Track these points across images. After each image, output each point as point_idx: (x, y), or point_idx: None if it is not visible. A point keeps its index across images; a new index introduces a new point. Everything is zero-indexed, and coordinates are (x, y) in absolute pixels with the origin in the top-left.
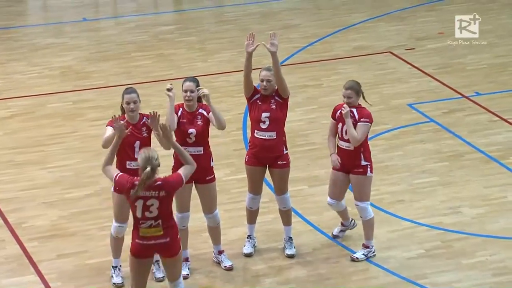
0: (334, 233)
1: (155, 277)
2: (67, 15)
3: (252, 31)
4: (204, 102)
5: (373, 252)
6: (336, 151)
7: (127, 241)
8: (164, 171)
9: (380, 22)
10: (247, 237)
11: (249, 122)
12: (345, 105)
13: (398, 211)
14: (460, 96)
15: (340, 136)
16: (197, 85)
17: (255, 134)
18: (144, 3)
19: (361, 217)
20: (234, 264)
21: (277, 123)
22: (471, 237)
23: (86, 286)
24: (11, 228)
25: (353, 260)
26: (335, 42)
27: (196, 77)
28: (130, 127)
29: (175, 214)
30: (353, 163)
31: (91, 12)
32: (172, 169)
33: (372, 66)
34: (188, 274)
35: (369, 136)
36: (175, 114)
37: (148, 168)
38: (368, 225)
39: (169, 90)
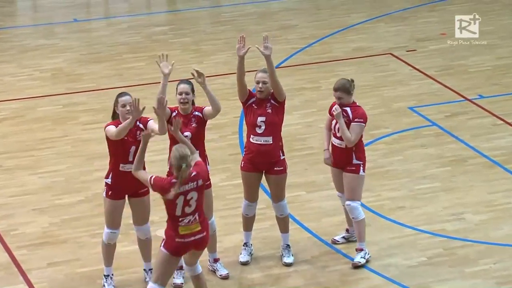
0: (335, 238)
1: (174, 283)
2: (57, 16)
3: (243, 34)
4: (199, 80)
5: (368, 254)
6: (329, 147)
7: (119, 248)
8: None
9: (380, 22)
10: (244, 245)
11: (245, 126)
12: (336, 106)
13: (399, 217)
14: (462, 99)
15: (333, 132)
16: (192, 88)
17: (251, 139)
18: (136, 3)
19: (352, 218)
20: (230, 272)
21: (273, 127)
22: (475, 245)
23: None
24: (0, 235)
25: (356, 266)
26: (333, 43)
27: (190, 80)
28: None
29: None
30: (345, 161)
31: (82, 12)
32: (167, 174)
33: (372, 68)
34: (182, 283)
35: (369, 141)
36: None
37: (184, 165)
38: (360, 226)
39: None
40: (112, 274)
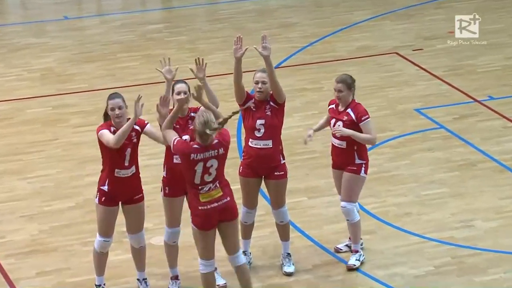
0: (338, 247)
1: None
2: (47, 13)
3: (240, 34)
4: (200, 75)
5: (363, 256)
6: (316, 128)
7: (112, 257)
8: (156, 181)
9: (385, 20)
10: (242, 253)
11: (243, 129)
12: (336, 130)
13: (405, 224)
14: (471, 100)
15: (332, 133)
16: (189, 88)
17: (250, 143)
18: (130, 0)
19: (347, 220)
20: (227, 282)
21: (273, 130)
22: (484, 253)
23: None
24: None
25: (351, 269)
26: (336, 42)
27: (186, 80)
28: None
29: (165, 229)
30: (346, 161)
31: (74, 9)
32: (163, 179)
33: (377, 68)
34: None
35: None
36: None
37: (208, 131)
38: (355, 228)
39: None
40: (104, 284)
